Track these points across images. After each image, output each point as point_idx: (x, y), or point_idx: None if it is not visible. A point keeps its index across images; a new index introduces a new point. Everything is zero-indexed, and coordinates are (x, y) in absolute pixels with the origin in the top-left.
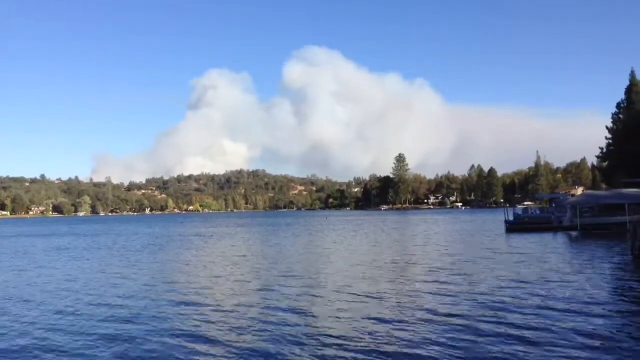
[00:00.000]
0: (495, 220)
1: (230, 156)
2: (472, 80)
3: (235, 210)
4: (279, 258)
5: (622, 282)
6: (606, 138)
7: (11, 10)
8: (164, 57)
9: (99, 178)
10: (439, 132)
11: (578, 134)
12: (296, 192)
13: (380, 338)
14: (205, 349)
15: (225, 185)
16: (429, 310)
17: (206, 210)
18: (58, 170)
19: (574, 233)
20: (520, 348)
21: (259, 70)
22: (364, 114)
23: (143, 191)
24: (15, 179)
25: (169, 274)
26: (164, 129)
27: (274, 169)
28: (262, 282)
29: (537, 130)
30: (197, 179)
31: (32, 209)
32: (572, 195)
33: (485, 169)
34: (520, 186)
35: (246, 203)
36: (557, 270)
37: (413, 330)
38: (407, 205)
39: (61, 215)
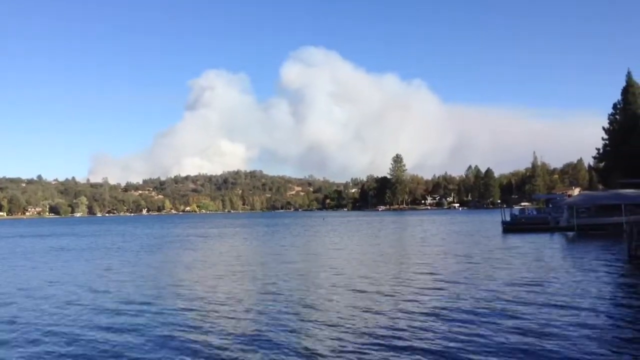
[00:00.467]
0: (492, 221)
1: (227, 157)
2: (470, 80)
3: (232, 211)
4: (278, 258)
5: (618, 282)
6: (603, 139)
7: (11, 10)
8: (161, 58)
9: (96, 179)
10: (436, 132)
11: (575, 135)
12: (293, 192)
13: (380, 338)
14: (206, 348)
15: (223, 186)
16: (427, 310)
17: (203, 211)
18: (55, 171)
19: (570, 234)
20: (515, 347)
21: (256, 71)
22: (361, 114)
23: (140, 192)
24: (11, 180)
25: (168, 274)
26: (161, 129)
27: (272, 170)
28: (262, 282)
29: (534, 130)
30: (194, 179)
31: (29, 209)
32: (569, 196)
33: (483, 169)
34: (517, 187)
35: (243, 204)
36: (553, 271)
37: (413, 330)
38: (405, 206)
39: (58, 216)
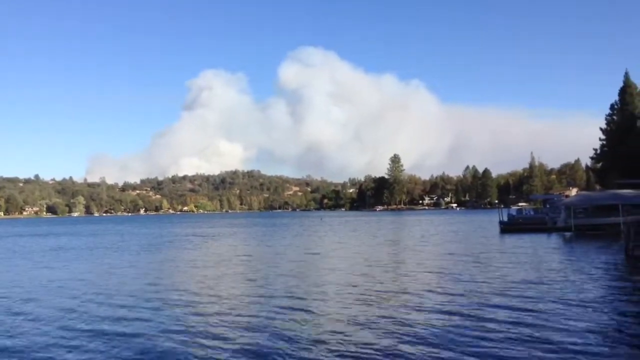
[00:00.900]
0: (489, 221)
1: (225, 157)
2: (468, 81)
3: (230, 211)
4: (277, 258)
5: (615, 282)
6: (600, 139)
7: (11, 10)
8: (159, 58)
9: (94, 178)
10: (434, 132)
11: (572, 135)
12: (291, 192)
13: (380, 338)
14: (206, 348)
15: (220, 186)
16: (426, 309)
17: (201, 211)
18: (52, 170)
19: (568, 234)
20: (513, 347)
21: (254, 71)
22: (359, 114)
23: (137, 192)
24: (9, 179)
25: (168, 274)
26: (159, 129)
27: (269, 170)
28: (262, 283)
29: (532, 131)
30: (191, 179)
31: (26, 209)
32: (567, 196)
33: (480, 169)
34: (514, 187)
35: (241, 204)
36: (550, 271)
37: (412, 329)
38: (402, 206)
39: (55, 215)
